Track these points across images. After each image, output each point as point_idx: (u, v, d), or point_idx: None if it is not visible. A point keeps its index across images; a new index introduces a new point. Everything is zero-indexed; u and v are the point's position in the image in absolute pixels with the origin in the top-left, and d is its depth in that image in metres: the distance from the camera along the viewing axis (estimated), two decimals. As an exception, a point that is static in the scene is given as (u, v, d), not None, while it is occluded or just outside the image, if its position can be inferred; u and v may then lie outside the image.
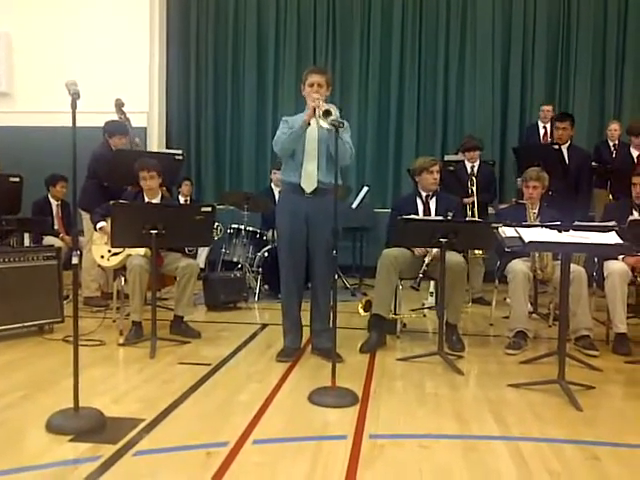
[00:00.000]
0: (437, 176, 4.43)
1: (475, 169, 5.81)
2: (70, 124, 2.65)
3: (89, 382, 3.13)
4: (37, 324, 4.31)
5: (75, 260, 2.78)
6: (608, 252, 3.77)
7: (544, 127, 6.58)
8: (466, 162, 5.86)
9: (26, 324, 4.23)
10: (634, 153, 6.01)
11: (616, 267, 4.04)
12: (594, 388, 3.35)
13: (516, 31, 7.52)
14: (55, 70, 6.96)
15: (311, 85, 3.71)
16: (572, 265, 3.98)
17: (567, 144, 5.58)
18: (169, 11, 7.93)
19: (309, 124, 3.62)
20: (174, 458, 2.46)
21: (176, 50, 7.98)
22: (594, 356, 3.96)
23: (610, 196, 6.07)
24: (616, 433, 2.78)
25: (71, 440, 2.56)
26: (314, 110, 3.49)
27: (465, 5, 7.58)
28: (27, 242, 5.60)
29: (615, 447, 2.63)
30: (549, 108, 6.54)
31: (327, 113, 3.34)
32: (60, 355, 3.80)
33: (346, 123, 3.64)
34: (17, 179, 4.96)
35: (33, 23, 7.57)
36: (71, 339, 2.80)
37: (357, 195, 6.57)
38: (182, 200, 7.00)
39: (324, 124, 3.37)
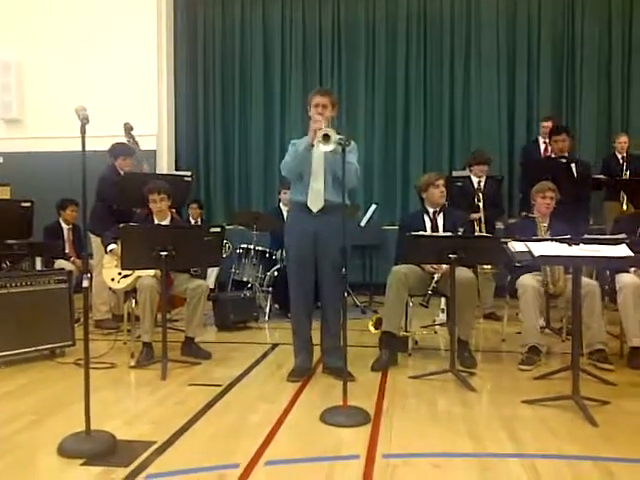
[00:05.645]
0: (444, 189, 4.43)
1: (482, 184, 5.81)
2: (80, 149, 2.68)
3: (101, 405, 3.12)
4: (48, 348, 4.31)
5: (85, 283, 2.80)
6: (619, 265, 3.74)
7: (544, 142, 6.55)
8: (472, 177, 5.86)
9: (38, 348, 4.24)
10: None
11: (628, 280, 4.00)
12: (609, 403, 3.30)
13: (521, 46, 7.55)
14: (65, 96, 7.05)
15: (316, 106, 3.74)
16: (585, 279, 3.96)
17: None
18: (177, 34, 8.04)
19: (312, 145, 3.61)
20: (186, 481, 2.44)
21: (184, 73, 8.08)
22: (609, 370, 3.91)
23: (625, 207, 6.07)
24: (632, 449, 2.74)
25: (83, 464, 2.56)
26: (315, 132, 3.49)
27: (469, 22, 7.63)
28: (39, 266, 5.64)
29: (631, 463, 2.59)
30: (549, 124, 6.52)
31: (326, 137, 3.34)
32: (71, 378, 3.80)
33: (353, 144, 3.66)
34: (28, 204, 5.01)
35: (44, 51, 7.70)
36: (82, 362, 2.81)
37: (365, 213, 6.57)
38: (192, 223, 7.04)
39: (323, 148, 3.35)
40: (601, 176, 6.30)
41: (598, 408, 3.21)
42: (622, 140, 6.61)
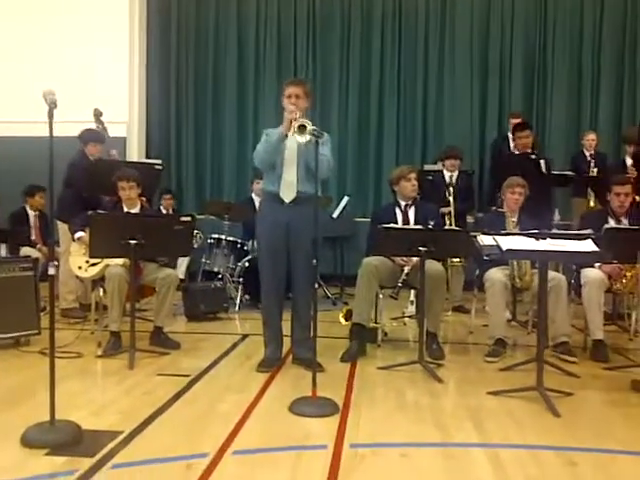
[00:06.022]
0: (415, 183, 4.47)
1: (454, 178, 5.87)
2: (47, 134, 2.62)
3: (66, 395, 3.08)
4: (13, 336, 4.23)
5: (52, 271, 2.75)
6: (584, 260, 3.81)
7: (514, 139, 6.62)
8: (445, 171, 5.93)
9: (2, 336, 4.15)
10: (628, 162, 6.14)
11: (593, 275, 4.09)
12: (572, 394, 3.38)
13: (494, 43, 7.61)
14: (32, 79, 6.87)
15: (289, 97, 3.71)
16: (551, 273, 4.03)
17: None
18: (149, 21, 7.90)
19: (286, 136, 3.60)
20: (153, 471, 2.43)
21: (156, 60, 7.95)
22: (572, 362, 3.99)
23: (592, 204, 6.20)
24: (594, 439, 2.80)
25: (47, 454, 2.52)
26: (290, 122, 3.48)
27: (444, 17, 7.66)
28: (4, 253, 5.53)
29: (593, 452, 2.65)
30: (518, 121, 6.59)
31: (302, 128, 3.34)
32: (37, 368, 3.73)
33: (326, 136, 3.66)
34: (-6, 190, 4.91)
35: (10, 32, 7.49)
36: (48, 351, 2.76)
37: (338, 204, 6.58)
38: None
39: (299, 139, 3.36)
40: (569, 172, 6.42)
41: (561, 399, 3.28)
42: (590, 138, 6.75)
